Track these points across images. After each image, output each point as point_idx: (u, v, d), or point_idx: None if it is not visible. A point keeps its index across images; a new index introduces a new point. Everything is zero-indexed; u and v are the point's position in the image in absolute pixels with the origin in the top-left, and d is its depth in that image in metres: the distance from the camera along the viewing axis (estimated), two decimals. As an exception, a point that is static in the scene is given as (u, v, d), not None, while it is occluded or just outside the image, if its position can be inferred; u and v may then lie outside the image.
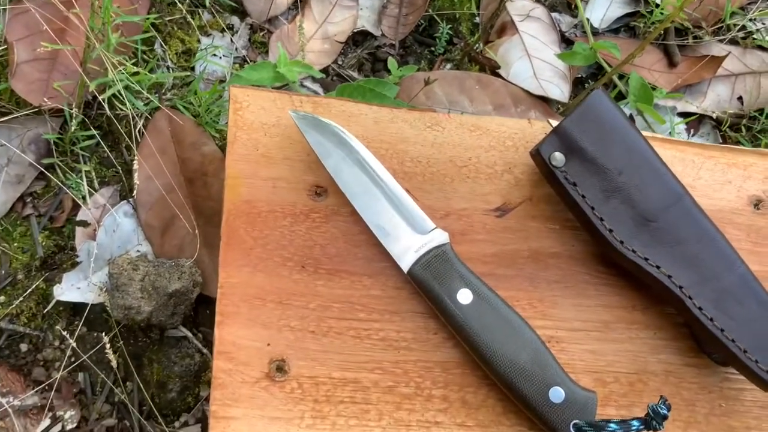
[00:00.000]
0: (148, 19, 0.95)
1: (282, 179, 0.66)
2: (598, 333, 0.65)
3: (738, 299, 0.60)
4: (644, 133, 0.70)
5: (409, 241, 0.63)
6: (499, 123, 0.70)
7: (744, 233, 0.70)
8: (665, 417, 0.57)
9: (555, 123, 0.66)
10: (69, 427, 0.82)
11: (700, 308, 0.60)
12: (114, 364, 0.78)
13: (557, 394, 0.59)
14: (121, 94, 0.87)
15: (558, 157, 0.62)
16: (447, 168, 0.68)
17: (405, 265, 0.63)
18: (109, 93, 0.87)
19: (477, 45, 1.06)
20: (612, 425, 0.58)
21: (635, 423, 0.57)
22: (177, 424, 0.84)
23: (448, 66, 1.07)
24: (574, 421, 0.59)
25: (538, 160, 0.64)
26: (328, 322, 0.63)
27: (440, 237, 0.63)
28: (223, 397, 0.59)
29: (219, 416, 0.58)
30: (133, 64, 0.95)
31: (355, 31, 1.07)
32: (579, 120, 0.62)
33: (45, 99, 0.88)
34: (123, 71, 0.86)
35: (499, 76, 1.05)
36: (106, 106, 0.86)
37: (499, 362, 0.60)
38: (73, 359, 0.84)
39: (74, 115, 0.88)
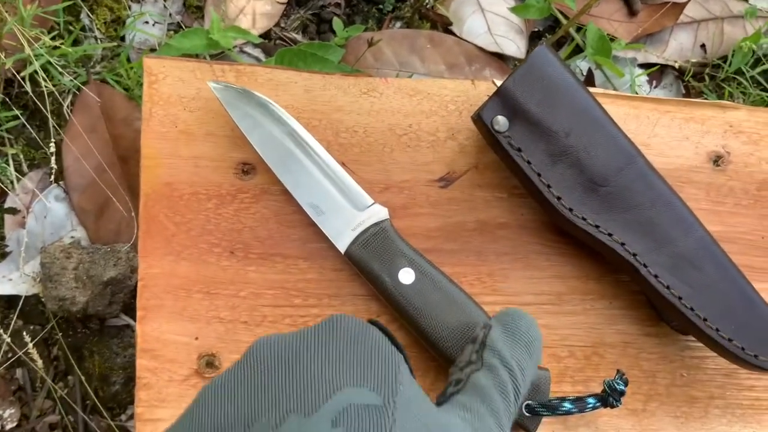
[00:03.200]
0: (68, -13, 0.88)
1: (205, 158, 0.61)
2: (551, 306, 0.62)
3: (695, 264, 0.57)
4: (596, 90, 0.66)
5: (346, 220, 0.58)
6: (441, 86, 0.65)
7: (703, 192, 0.65)
8: (622, 393, 0.54)
9: (500, 83, 0.62)
10: (9, 426, 0.78)
11: (655, 276, 0.57)
12: (39, 363, 0.73)
13: (508, 374, 0.55)
14: (43, 70, 0.81)
15: (501, 122, 0.58)
16: (386, 137, 0.63)
17: (342, 245, 0.58)
18: (29, 70, 0.81)
19: (427, 1, 1.00)
20: (566, 405, 0.54)
21: (591, 400, 0.54)
22: (123, 417, 0.80)
23: (398, 24, 1.02)
24: (527, 402, 0.55)
25: (480, 125, 0.59)
26: (261, 310, 0.58)
27: (379, 213, 0.59)
28: (148, 398, 0.55)
29: (145, 419, 0.54)
30: (56, 36, 0.88)
31: (297, -10, 1.01)
32: (522, 80, 0.57)
33: (-41, 79, 0.82)
34: (40, 47, 0.80)
35: (451, 33, 0.99)
36: (27, 84, 0.80)
37: (446, 344, 0.56)
38: (9, 355, 0.79)
39: (-7, 95, 0.82)
